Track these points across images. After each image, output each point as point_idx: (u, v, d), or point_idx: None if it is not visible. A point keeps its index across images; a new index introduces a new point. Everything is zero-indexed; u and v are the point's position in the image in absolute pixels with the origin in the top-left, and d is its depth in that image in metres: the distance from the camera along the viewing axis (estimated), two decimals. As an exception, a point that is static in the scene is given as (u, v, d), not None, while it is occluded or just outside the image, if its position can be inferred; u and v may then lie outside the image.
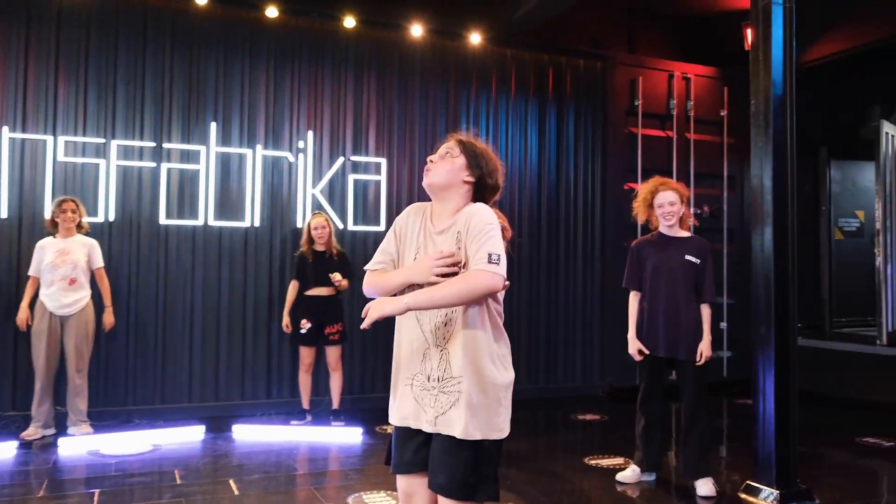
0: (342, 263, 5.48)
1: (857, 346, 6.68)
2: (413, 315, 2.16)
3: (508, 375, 2.19)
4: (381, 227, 6.33)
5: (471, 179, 2.25)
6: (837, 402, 6.45)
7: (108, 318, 5.17)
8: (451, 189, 2.23)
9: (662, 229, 4.13)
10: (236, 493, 3.91)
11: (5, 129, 5.29)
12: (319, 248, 5.51)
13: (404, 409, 2.19)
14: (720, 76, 7.65)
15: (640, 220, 4.29)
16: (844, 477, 4.46)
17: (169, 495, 3.85)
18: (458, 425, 2.07)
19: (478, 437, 2.08)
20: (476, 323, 2.11)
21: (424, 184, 2.26)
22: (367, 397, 6.23)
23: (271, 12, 5.88)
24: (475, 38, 6.56)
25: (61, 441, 4.84)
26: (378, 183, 6.36)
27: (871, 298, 7.71)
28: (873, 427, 5.60)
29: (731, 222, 7.62)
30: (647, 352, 4.06)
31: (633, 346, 4.11)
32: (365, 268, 2.30)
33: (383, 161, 6.39)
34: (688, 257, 4.01)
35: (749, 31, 7.47)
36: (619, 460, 4.63)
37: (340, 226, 6.20)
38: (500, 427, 2.15)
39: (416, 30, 6.31)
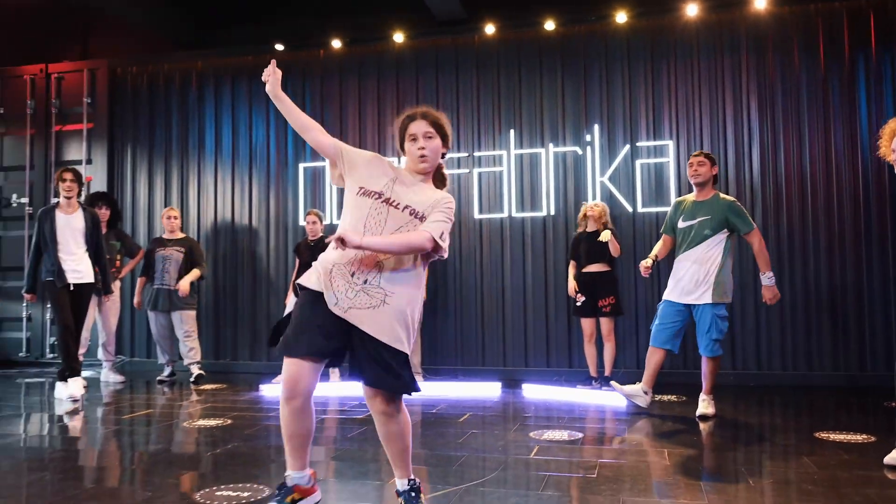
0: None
1: None
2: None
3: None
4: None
5: (444, 150, 2.80)
6: None
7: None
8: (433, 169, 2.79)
9: None
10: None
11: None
12: (588, 229, 6.03)
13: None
14: None
15: (888, 159, 3.43)
16: None
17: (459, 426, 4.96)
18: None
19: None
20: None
21: (421, 169, 2.70)
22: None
23: (549, 25, 6.72)
24: (759, 2, 6.26)
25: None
26: (665, 165, 6.56)
27: None
28: None
29: None
30: None
31: None
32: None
33: (670, 143, 6.56)
34: None
35: None
36: (858, 437, 4.08)
37: (629, 209, 6.59)
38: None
39: (692, 9, 6.37)
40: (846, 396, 5.60)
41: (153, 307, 6.64)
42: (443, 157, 2.80)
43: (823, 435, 4.15)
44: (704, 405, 4.78)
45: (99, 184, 7.95)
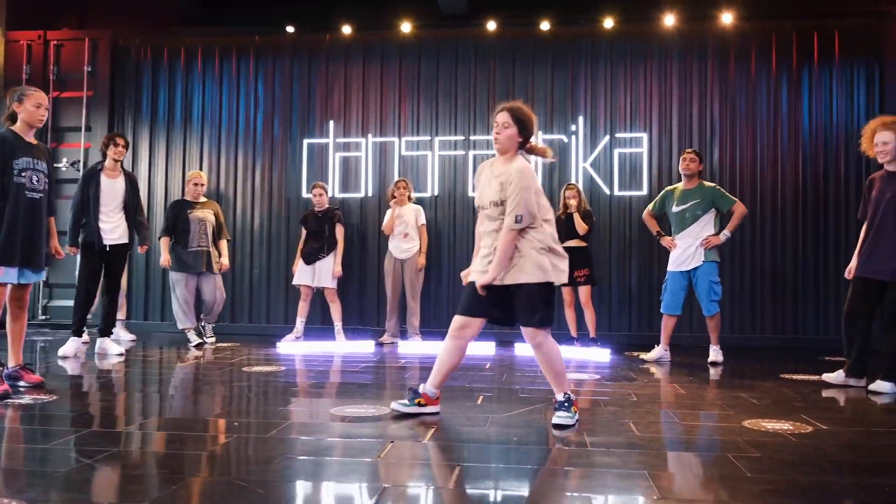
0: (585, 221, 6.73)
1: None
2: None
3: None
4: (644, 192, 7.43)
5: (520, 140, 3.47)
6: None
7: (421, 261, 7.23)
8: (509, 150, 3.46)
9: (886, 165, 4.62)
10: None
11: (369, 135, 7.87)
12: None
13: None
14: None
15: (869, 154, 4.70)
16: None
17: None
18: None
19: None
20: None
21: (497, 150, 3.45)
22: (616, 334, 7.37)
23: (545, 25, 7.52)
24: (726, 17, 7.29)
25: (400, 343, 7.05)
26: (639, 154, 7.49)
27: None
28: None
29: None
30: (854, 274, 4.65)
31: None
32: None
33: (644, 136, 7.50)
34: None
35: None
36: (811, 377, 5.08)
37: (607, 192, 7.51)
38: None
39: (669, 19, 7.33)
40: (787, 353, 6.70)
41: (186, 269, 6.75)
42: (526, 141, 3.48)
43: (787, 376, 5.17)
44: (714, 353, 5.83)
45: (97, 151, 8.18)
